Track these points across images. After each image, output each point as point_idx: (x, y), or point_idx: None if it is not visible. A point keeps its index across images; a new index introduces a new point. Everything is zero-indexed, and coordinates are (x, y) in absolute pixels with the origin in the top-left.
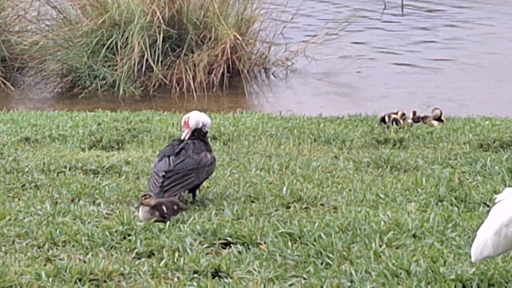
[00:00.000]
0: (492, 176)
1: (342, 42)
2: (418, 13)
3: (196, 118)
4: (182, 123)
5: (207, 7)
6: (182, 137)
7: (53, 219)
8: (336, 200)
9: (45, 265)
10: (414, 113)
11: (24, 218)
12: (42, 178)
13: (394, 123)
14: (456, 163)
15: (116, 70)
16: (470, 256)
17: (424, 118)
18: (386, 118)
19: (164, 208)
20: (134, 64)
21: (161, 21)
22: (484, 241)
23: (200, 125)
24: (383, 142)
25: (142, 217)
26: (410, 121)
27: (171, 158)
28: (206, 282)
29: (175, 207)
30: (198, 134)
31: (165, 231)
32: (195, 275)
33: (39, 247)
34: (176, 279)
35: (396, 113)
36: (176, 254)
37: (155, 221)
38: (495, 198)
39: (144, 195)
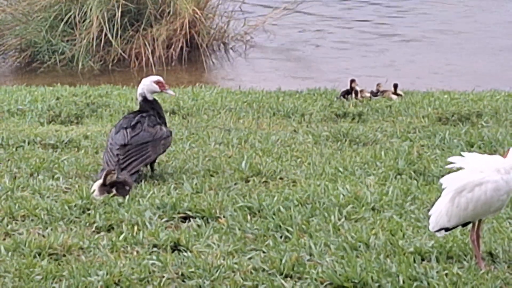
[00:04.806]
0: (451, 149)
1: (301, 16)
2: None
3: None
4: (159, 84)
5: None
6: (172, 94)
7: (12, 193)
8: (295, 174)
9: (4, 239)
10: (378, 85)
11: None
12: (1, 153)
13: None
14: (415, 136)
15: (75, 44)
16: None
17: (383, 92)
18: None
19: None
20: (93, 39)
21: None
22: (439, 209)
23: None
24: (342, 116)
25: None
26: (368, 94)
27: (128, 130)
28: (166, 255)
29: (127, 188)
30: (150, 104)
31: (124, 205)
32: (155, 248)
33: None
34: (135, 253)
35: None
36: (136, 228)
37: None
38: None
39: (110, 172)
